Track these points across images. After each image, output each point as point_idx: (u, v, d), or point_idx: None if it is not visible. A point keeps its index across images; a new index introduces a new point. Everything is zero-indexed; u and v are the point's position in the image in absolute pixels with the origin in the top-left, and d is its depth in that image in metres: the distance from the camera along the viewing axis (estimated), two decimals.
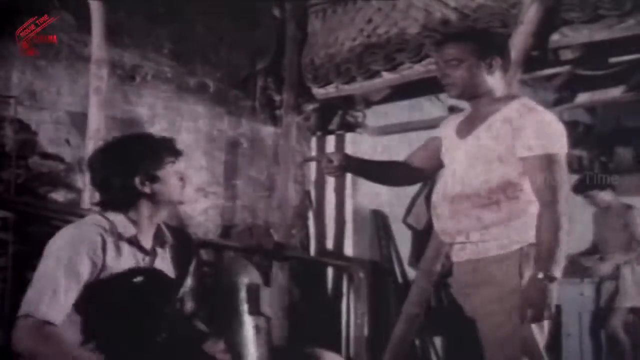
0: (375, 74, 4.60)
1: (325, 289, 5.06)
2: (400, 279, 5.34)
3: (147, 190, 2.06)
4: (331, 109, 5.14)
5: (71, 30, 4.08)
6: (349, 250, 5.13)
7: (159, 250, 2.15)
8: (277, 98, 5.04)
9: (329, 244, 5.21)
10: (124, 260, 2.02)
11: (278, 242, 4.82)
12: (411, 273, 5.24)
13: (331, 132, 5.27)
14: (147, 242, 2.11)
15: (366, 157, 4.60)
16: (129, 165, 2.05)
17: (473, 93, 2.33)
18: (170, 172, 2.10)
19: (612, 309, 5.15)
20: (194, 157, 4.59)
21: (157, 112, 4.47)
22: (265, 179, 5.05)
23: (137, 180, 2.05)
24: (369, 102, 4.97)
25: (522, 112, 2.24)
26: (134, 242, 2.06)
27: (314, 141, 5.27)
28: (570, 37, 3.79)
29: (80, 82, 4.05)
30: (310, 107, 5.07)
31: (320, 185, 5.23)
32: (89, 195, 3.78)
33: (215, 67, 4.67)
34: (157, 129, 4.44)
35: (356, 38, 4.84)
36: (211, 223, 4.64)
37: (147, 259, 2.10)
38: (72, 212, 3.73)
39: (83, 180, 3.89)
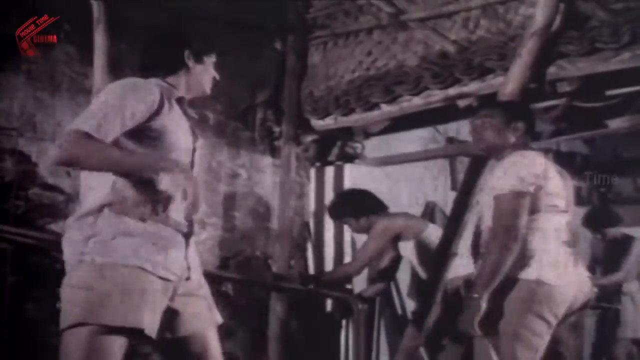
0: (374, 106, 4.62)
1: (323, 320, 5.03)
2: (399, 311, 5.31)
3: (190, 64, 2.23)
4: (330, 140, 5.15)
5: (73, 62, 4.11)
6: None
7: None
8: (276, 129, 5.05)
9: None
10: (176, 115, 2.15)
11: (276, 273, 4.80)
12: (410, 304, 5.21)
13: (330, 163, 5.28)
14: None
15: (365, 187, 4.66)
16: (184, 39, 2.27)
17: (495, 149, 2.94)
18: (210, 64, 2.30)
19: (615, 340, 5.11)
20: None
21: None
22: (264, 210, 5.05)
23: (187, 52, 2.23)
24: (367, 134, 4.99)
25: None
26: (182, 102, 2.22)
27: (312, 172, 5.29)
28: (567, 70, 3.81)
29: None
30: (309, 138, 5.08)
31: (319, 217, 5.22)
32: None
33: (215, 99, 4.69)
34: None
35: (355, 70, 4.87)
36: (209, 254, 4.62)
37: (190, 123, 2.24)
38: None
39: None
